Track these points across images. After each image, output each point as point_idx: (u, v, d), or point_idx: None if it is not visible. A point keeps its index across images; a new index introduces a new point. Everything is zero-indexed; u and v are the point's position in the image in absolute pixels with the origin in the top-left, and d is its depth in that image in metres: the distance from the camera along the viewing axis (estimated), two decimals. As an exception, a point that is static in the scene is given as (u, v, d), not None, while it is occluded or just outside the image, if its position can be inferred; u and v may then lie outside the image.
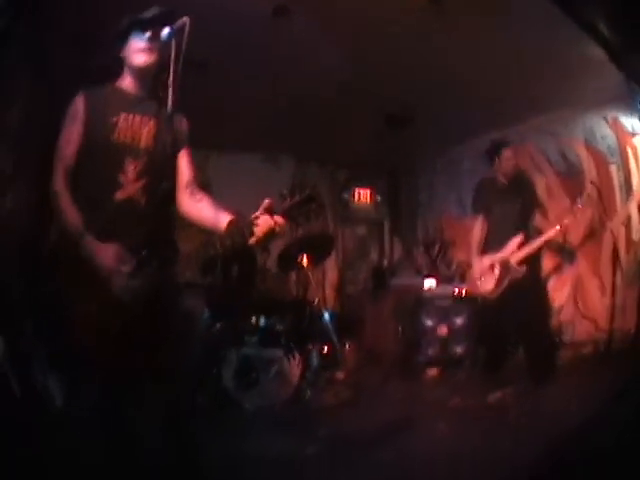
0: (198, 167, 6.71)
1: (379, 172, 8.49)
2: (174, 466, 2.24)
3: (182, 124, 2.48)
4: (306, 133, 6.54)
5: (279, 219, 2.14)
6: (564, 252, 5.99)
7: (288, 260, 5.09)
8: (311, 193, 2.18)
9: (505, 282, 4.84)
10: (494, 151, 5.00)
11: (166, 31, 2.18)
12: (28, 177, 4.22)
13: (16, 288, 3.80)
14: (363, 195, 8.21)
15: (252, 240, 2.14)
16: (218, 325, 4.82)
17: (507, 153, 4.94)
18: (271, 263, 5.37)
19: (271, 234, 2.14)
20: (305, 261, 4.97)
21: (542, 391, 4.39)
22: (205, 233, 2.39)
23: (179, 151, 2.45)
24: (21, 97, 4.08)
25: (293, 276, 6.16)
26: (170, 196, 2.40)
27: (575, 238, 5.90)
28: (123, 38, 2.32)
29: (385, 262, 7.81)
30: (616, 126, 5.62)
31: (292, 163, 7.69)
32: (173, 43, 2.14)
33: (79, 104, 2.25)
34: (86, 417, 2.77)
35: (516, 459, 2.85)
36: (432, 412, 4.27)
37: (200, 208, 2.38)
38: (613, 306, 5.34)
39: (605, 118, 5.72)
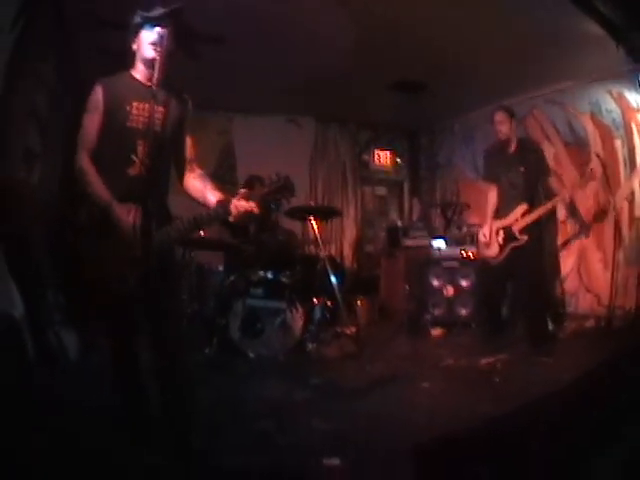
0: (223, 130, 7.05)
1: (400, 133, 8.65)
2: (173, 410, 2.61)
3: (187, 109, 2.79)
4: (327, 95, 6.73)
5: (253, 204, 2.50)
6: (580, 223, 6.10)
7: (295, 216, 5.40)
8: (285, 183, 2.52)
9: (508, 249, 4.99)
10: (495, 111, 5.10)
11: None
12: (53, 156, 4.55)
13: (41, 252, 4.18)
14: (383, 156, 8.40)
15: (231, 218, 2.51)
16: (231, 278, 5.15)
17: (498, 116, 5.01)
18: (282, 219, 5.63)
19: (247, 215, 2.51)
20: (313, 221, 5.23)
21: (536, 360, 4.57)
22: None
23: (184, 131, 2.78)
24: (48, 82, 4.36)
25: (303, 233, 6.45)
26: (169, 170, 2.76)
27: (584, 210, 6.00)
28: (135, 32, 2.63)
29: (399, 222, 7.95)
30: (621, 101, 5.65)
31: (313, 124, 7.86)
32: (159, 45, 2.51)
33: (98, 94, 2.55)
34: (98, 370, 3.16)
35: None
36: (423, 370, 4.51)
37: (198, 186, 2.75)
38: (615, 282, 5.41)
39: (610, 92, 5.74)
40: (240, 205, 2.48)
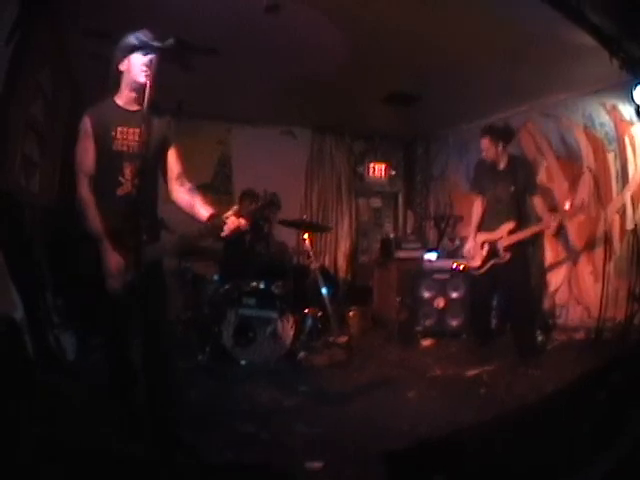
0: (220, 140, 7.19)
1: (394, 145, 8.74)
2: (159, 405, 2.77)
3: (169, 127, 2.91)
4: (323, 107, 6.85)
5: (243, 221, 2.68)
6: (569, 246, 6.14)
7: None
8: (272, 199, 2.77)
9: (490, 263, 5.09)
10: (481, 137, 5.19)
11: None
12: (51, 164, 4.66)
13: (40, 257, 4.29)
14: (378, 168, 8.46)
15: (222, 234, 2.67)
16: (225, 287, 5.25)
17: (484, 144, 5.13)
18: (275, 231, 5.74)
19: (237, 231, 2.68)
20: (306, 234, 5.31)
21: (523, 371, 4.61)
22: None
23: (167, 149, 2.91)
24: (45, 89, 4.47)
25: (297, 244, 6.55)
26: (157, 187, 2.91)
27: (574, 230, 6.05)
28: (126, 54, 2.71)
29: (392, 234, 8.05)
30: (614, 114, 5.63)
31: (309, 136, 7.97)
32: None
33: (87, 124, 2.70)
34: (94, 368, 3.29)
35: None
36: (409, 379, 4.59)
37: (187, 199, 2.87)
38: (605, 294, 5.39)
39: (604, 105, 5.72)
40: (231, 222, 2.63)
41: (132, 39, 2.67)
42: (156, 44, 2.59)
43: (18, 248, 3.74)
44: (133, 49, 2.66)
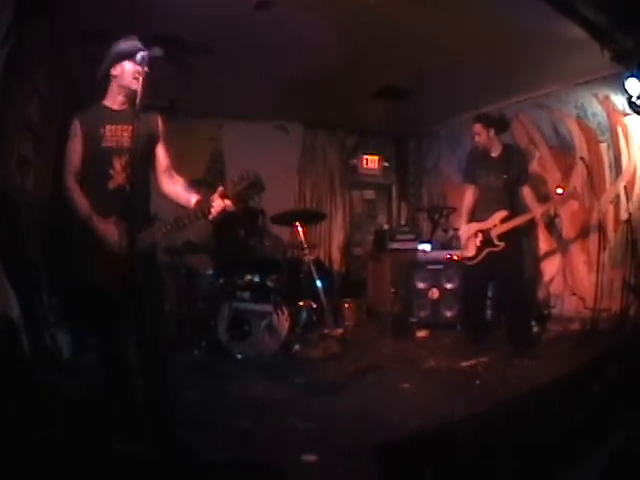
0: (212, 136, 7.18)
1: (387, 139, 8.75)
2: (156, 404, 2.80)
3: (156, 123, 2.97)
4: (314, 102, 6.84)
5: (228, 202, 2.71)
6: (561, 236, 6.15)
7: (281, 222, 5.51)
8: (254, 180, 2.74)
9: (484, 252, 5.04)
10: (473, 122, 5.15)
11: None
12: (45, 164, 4.67)
13: (36, 256, 4.30)
14: (371, 161, 8.48)
15: (210, 217, 2.71)
16: (219, 281, 5.26)
17: (476, 128, 5.08)
18: (269, 225, 5.74)
19: (223, 212, 2.71)
20: (299, 226, 5.31)
21: (518, 362, 4.59)
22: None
23: (155, 144, 2.97)
24: (41, 90, 4.47)
25: (291, 237, 6.55)
26: (149, 183, 2.97)
27: (567, 218, 6.06)
28: (120, 59, 2.77)
29: (386, 226, 8.07)
30: (607, 104, 5.63)
31: (301, 131, 7.98)
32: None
33: (76, 126, 2.81)
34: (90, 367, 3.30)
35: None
36: (404, 371, 4.59)
37: (175, 189, 2.95)
38: (600, 285, 5.38)
39: (596, 95, 5.72)
40: (217, 205, 2.68)
41: (124, 45, 2.75)
42: (147, 52, 2.62)
43: (14, 247, 3.78)
44: (125, 56, 2.73)
